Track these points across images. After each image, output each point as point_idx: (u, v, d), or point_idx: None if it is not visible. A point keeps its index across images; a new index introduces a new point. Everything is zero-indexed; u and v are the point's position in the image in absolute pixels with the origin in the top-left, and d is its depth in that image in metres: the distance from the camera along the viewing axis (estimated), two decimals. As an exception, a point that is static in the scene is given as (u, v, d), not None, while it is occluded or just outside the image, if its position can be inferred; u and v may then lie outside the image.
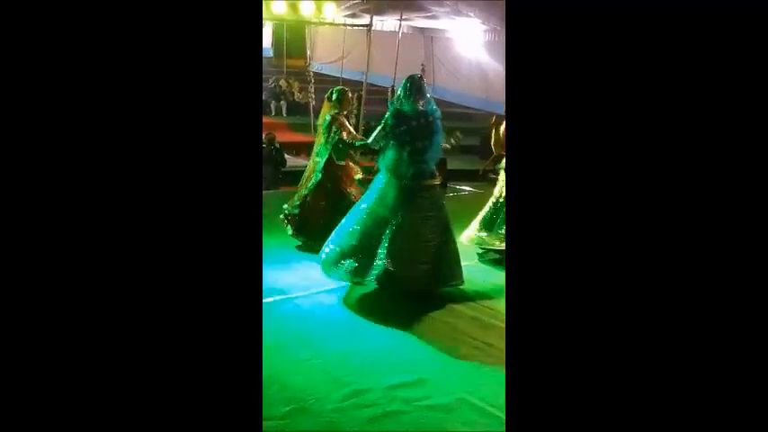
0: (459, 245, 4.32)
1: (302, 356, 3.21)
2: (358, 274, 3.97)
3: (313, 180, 5.05)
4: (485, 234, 4.86)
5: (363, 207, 4.08)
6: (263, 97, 12.17)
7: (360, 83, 9.56)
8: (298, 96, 13.14)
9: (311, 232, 4.92)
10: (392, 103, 4.10)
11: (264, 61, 11.68)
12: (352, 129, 5.33)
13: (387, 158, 4.01)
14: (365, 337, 3.53)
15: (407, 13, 9.94)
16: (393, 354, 3.32)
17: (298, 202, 5.09)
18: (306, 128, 10.54)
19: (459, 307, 4.00)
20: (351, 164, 5.14)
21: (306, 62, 10.97)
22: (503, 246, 4.67)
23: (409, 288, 3.98)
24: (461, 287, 4.20)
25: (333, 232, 4.17)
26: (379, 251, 3.92)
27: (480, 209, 5.04)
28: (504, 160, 5.00)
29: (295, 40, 13.47)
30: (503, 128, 4.92)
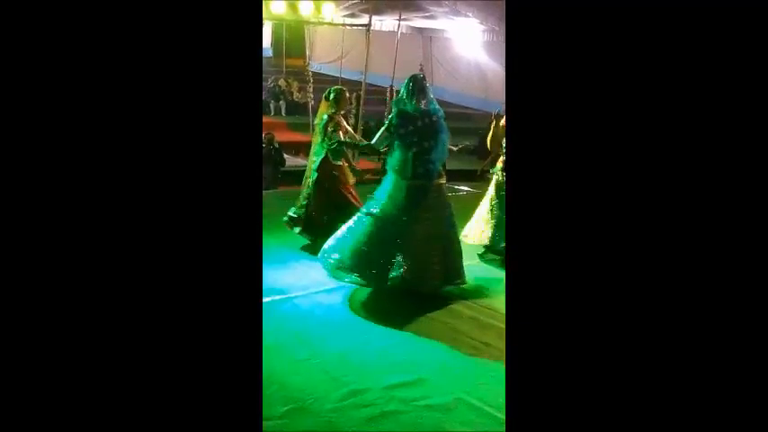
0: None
1: (301, 356, 3.22)
2: (377, 283, 3.97)
3: (311, 179, 5.06)
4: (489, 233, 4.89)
5: (374, 212, 4.02)
6: (263, 97, 12.17)
7: (358, 83, 9.55)
8: (297, 96, 13.14)
9: (316, 230, 4.92)
10: (396, 103, 4.09)
11: (263, 61, 11.68)
12: (349, 129, 5.33)
13: (393, 159, 4.01)
14: (364, 337, 3.53)
15: (406, 13, 9.93)
16: (391, 353, 3.32)
17: (304, 202, 5.09)
18: (305, 127, 10.52)
19: (457, 307, 4.01)
20: (345, 165, 5.13)
21: (305, 62, 10.95)
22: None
23: (421, 290, 3.99)
24: (461, 286, 4.21)
25: (338, 237, 4.10)
26: (397, 259, 3.89)
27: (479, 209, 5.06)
28: (499, 163, 5.02)
29: (294, 39, 13.46)
30: (502, 122, 4.91)
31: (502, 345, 3.36)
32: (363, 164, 9.09)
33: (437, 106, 4.07)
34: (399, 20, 9.81)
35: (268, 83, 13.08)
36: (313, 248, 4.86)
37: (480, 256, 5.00)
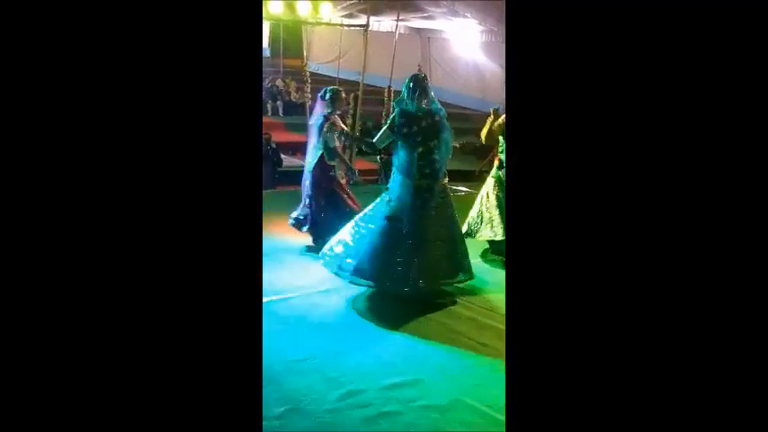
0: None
1: (297, 357, 3.21)
2: (396, 288, 3.95)
3: (309, 179, 5.04)
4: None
5: (385, 215, 3.98)
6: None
7: (356, 83, 9.55)
8: (294, 96, 13.14)
9: (320, 231, 4.90)
10: (397, 103, 4.07)
11: (261, 61, 11.63)
12: (346, 129, 5.31)
13: (399, 160, 4.00)
14: (361, 338, 3.53)
15: (404, 13, 9.92)
16: (389, 354, 3.32)
17: (307, 202, 5.07)
18: (302, 128, 10.51)
19: (455, 307, 4.01)
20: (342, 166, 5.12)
21: (302, 62, 10.95)
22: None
23: (433, 289, 4.06)
24: (459, 286, 4.22)
25: (347, 242, 4.06)
26: (414, 262, 3.88)
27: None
28: (496, 161, 5.02)
29: (292, 39, 13.46)
30: (501, 119, 4.89)
31: (500, 345, 3.36)
32: (362, 165, 9.10)
33: (439, 105, 4.07)
34: (397, 20, 9.80)
35: (265, 83, 13.08)
36: (313, 249, 4.86)
37: (482, 255, 5.00)
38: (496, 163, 5.00)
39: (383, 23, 10.96)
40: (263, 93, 12.76)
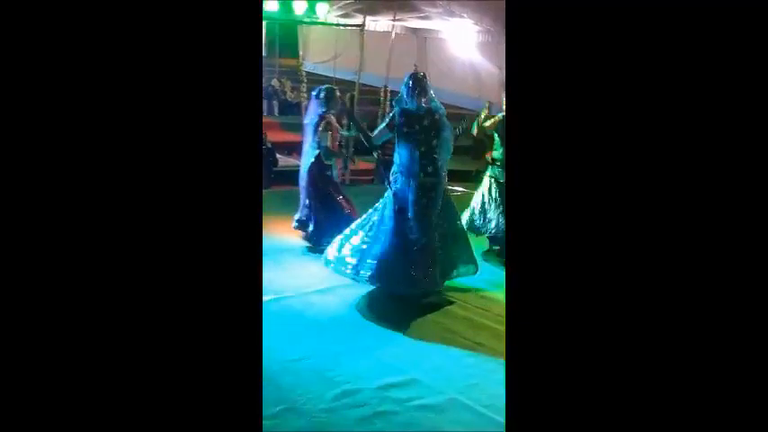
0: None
1: (293, 356, 3.20)
2: (410, 290, 3.95)
3: (306, 179, 5.03)
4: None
5: (392, 217, 3.97)
6: (257, 97, 12.13)
7: (352, 83, 9.54)
8: (290, 96, 13.10)
9: (321, 233, 4.88)
10: (397, 102, 4.06)
11: (257, 61, 11.61)
12: (341, 128, 5.29)
13: (401, 159, 3.99)
14: (357, 337, 3.52)
15: (400, 13, 9.91)
16: (385, 354, 3.32)
17: (307, 202, 5.06)
18: (298, 127, 10.49)
19: (451, 307, 4.01)
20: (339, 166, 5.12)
21: (298, 62, 10.93)
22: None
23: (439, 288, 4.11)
24: (457, 286, 4.23)
25: (355, 245, 4.05)
26: (424, 262, 3.89)
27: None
28: (490, 166, 5.03)
29: (287, 39, 13.43)
30: (500, 116, 4.90)
31: (495, 345, 3.37)
32: (360, 165, 9.08)
33: (438, 104, 4.06)
34: (394, 20, 9.80)
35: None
36: (312, 249, 4.85)
37: (480, 255, 5.00)
38: (488, 157, 5.03)
39: (379, 23, 10.94)
40: (260, 92, 12.73)
